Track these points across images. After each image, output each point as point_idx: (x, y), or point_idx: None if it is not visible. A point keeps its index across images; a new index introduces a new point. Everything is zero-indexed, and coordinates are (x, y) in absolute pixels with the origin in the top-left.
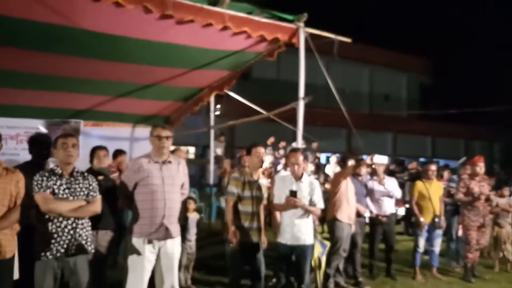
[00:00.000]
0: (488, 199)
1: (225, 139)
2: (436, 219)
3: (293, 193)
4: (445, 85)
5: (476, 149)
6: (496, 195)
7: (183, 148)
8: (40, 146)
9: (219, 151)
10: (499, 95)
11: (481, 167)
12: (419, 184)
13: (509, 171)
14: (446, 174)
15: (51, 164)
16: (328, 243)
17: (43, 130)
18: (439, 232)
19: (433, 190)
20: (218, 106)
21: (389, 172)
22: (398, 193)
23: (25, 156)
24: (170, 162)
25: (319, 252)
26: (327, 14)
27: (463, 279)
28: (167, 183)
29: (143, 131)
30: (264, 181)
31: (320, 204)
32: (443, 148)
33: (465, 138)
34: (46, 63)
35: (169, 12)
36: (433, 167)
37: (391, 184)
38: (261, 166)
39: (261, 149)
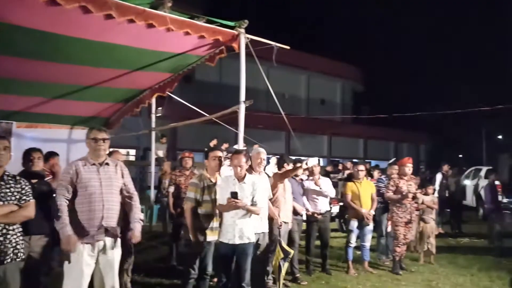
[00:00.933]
0: (414, 197)
1: (167, 141)
2: (366, 217)
3: (234, 194)
4: (375, 91)
5: (404, 151)
6: (421, 193)
7: (122, 150)
8: None
9: (161, 153)
10: (425, 102)
11: (409, 168)
12: (350, 184)
13: (434, 171)
14: (376, 174)
15: None
16: (292, 251)
17: None
18: (369, 228)
19: (363, 189)
20: (160, 108)
21: (325, 173)
22: (332, 192)
23: None
24: (107, 164)
25: (280, 258)
26: (268, 21)
27: (392, 271)
28: (105, 185)
29: (81, 133)
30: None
31: (261, 203)
32: (375, 150)
33: (395, 140)
34: None
35: (110, 12)
36: (362, 168)
37: (326, 184)
38: (219, 170)
39: (218, 153)
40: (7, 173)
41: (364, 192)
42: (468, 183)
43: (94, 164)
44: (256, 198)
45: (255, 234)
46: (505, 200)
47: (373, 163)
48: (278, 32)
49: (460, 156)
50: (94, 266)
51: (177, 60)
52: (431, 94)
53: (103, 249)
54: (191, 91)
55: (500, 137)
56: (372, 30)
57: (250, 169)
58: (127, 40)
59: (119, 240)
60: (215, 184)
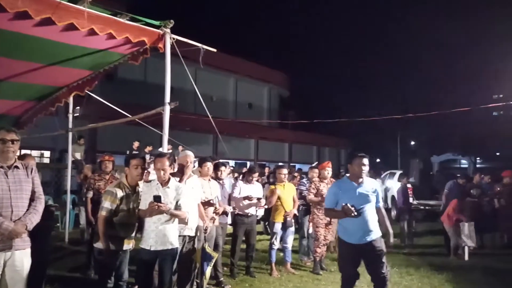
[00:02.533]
0: None
1: (85, 143)
2: (288, 218)
3: (157, 198)
4: (300, 97)
5: (326, 155)
6: None
7: (36, 152)
8: None
9: (78, 156)
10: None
11: (328, 171)
12: (273, 187)
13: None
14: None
15: None
16: (215, 254)
17: None
18: (291, 230)
19: (286, 192)
20: (78, 107)
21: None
22: (263, 197)
23: None
24: (17, 167)
25: (203, 261)
26: (197, 23)
27: (313, 271)
28: (14, 189)
29: None
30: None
31: (186, 208)
32: (299, 154)
33: (317, 145)
34: None
35: (22, 8)
36: (284, 171)
37: (256, 188)
38: (140, 178)
39: (141, 162)
40: None
41: (287, 194)
42: (383, 186)
43: (1, 167)
44: (180, 202)
45: (180, 237)
46: (415, 202)
47: (297, 166)
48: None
49: (378, 160)
50: (0, 278)
51: (97, 57)
52: (353, 100)
53: (11, 259)
54: (113, 90)
55: (412, 143)
56: (298, 37)
57: (180, 173)
58: (41, 32)
59: (28, 249)
60: (134, 193)
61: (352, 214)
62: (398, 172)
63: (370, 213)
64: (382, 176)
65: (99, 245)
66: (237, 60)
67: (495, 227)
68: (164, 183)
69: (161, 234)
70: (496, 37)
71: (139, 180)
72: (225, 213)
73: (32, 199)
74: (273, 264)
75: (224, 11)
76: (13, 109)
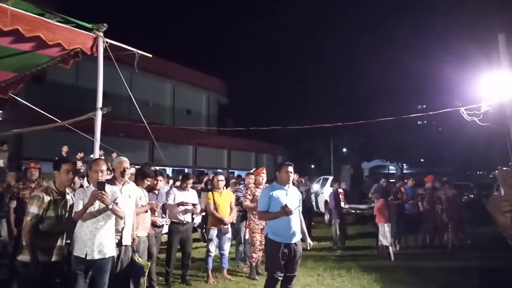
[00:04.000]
0: None
1: (8, 148)
2: (224, 226)
3: (101, 185)
4: (238, 104)
5: (264, 161)
6: None
7: None
8: None
9: (1, 163)
10: (283, 115)
11: (263, 177)
12: (210, 194)
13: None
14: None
15: None
16: (146, 263)
17: None
18: (227, 236)
19: (223, 199)
20: (1, 111)
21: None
22: (198, 204)
23: None
24: None
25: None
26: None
27: (249, 277)
28: None
29: None
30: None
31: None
32: (237, 160)
33: (255, 151)
34: None
35: None
36: (222, 178)
37: (192, 196)
38: (70, 184)
39: (72, 166)
40: None
41: (223, 201)
42: (317, 190)
43: None
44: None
45: (116, 247)
46: (346, 206)
47: (236, 173)
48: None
49: (312, 166)
50: None
51: (23, 59)
52: (289, 108)
53: None
54: (42, 93)
55: (344, 150)
56: (237, 44)
57: (114, 180)
58: None
59: None
60: (63, 199)
61: (292, 213)
62: (331, 178)
63: (296, 215)
64: (315, 181)
65: (23, 257)
66: (175, 65)
67: (418, 229)
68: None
69: (98, 242)
70: (422, 50)
71: (68, 185)
72: (155, 226)
73: None
74: (210, 271)
75: (162, 13)
76: None
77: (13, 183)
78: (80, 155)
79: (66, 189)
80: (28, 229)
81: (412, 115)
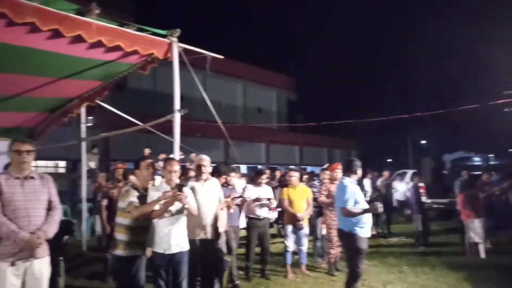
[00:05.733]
0: None
1: (98, 152)
2: (299, 221)
3: (180, 187)
4: (308, 100)
5: (337, 157)
6: None
7: (51, 162)
8: None
9: (93, 165)
10: (355, 109)
11: (338, 172)
12: (285, 190)
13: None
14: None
15: None
16: (229, 258)
17: None
18: (304, 232)
19: (297, 195)
20: (90, 117)
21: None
22: (274, 199)
23: None
24: (32, 177)
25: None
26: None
27: (328, 273)
28: (30, 199)
29: (3, 144)
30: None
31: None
32: (310, 156)
33: (328, 147)
34: None
35: (29, 19)
36: (295, 174)
37: (268, 192)
38: (152, 179)
39: (150, 162)
40: None
41: (298, 197)
42: (397, 185)
43: (17, 178)
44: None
45: (199, 240)
46: (428, 201)
47: (309, 168)
48: (214, 41)
49: (389, 160)
50: (21, 287)
51: (107, 68)
52: (362, 101)
53: (30, 268)
54: (124, 99)
55: (423, 142)
56: (305, 41)
57: (195, 177)
58: (52, 46)
59: (47, 257)
60: (147, 195)
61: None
62: (410, 172)
63: None
64: (393, 176)
65: (115, 251)
66: (244, 65)
67: (509, 224)
68: (173, 186)
69: (174, 237)
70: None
71: (150, 180)
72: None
73: (49, 208)
74: (288, 266)
75: (230, 16)
76: (26, 121)
77: (103, 183)
78: (162, 156)
79: (149, 184)
80: (137, 213)
81: (499, 101)
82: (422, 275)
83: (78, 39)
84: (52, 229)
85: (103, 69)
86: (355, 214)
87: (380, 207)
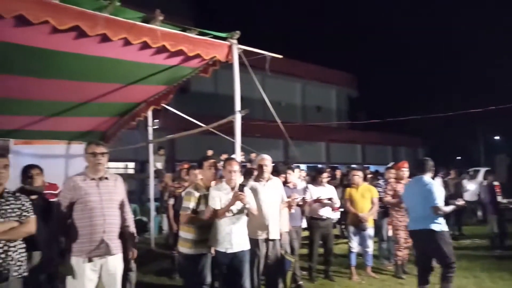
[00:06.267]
0: None
1: (165, 153)
2: (362, 222)
3: (241, 187)
4: (370, 97)
5: (402, 155)
6: None
7: (121, 163)
8: None
9: (159, 165)
10: (419, 105)
11: (405, 171)
12: (348, 190)
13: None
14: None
15: None
16: (293, 259)
17: None
18: (368, 233)
19: (360, 194)
20: (157, 120)
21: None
22: (336, 199)
23: None
24: (106, 178)
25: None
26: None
27: (395, 275)
28: (105, 199)
29: (79, 148)
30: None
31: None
32: (373, 155)
33: (392, 145)
34: None
35: (101, 31)
36: (358, 173)
37: (331, 192)
38: (214, 178)
39: (213, 162)
40: (6, 190)
41: (361, 197)
42: (467, 184)
43: (93, 179)
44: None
45: (262, 240)
46: (504, 201)
47: (372, 168)
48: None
49: (458, 158)
50: (97, 281)
51: (171, 73)
52: (425, 98)
53: (105, 264)
54: (187, 102)
55: (497, 137)
56: (364, 36)
57: (257, 177)
58: (120, 54)
59: (120, 254)
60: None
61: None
62: (483, 170)
63: None
64: (463, 174)
65: (182, 249)
66: (302, 64)
67: None
68: (233, 186)
69: (235, 236)
70: None
71: (213, 180)
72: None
73: (121, 208)
74: (353, 268)
75: (286, 15)
76: (99, 125)
77: (170, 183)
78: (223, 156)
79: (212, 184)
80: (188, 218)
81: None
82: (500, 281)
83: (144, 45)
84: (133, 230)
85: (167, 74)
86: (445, 212)
87: (463, 202)
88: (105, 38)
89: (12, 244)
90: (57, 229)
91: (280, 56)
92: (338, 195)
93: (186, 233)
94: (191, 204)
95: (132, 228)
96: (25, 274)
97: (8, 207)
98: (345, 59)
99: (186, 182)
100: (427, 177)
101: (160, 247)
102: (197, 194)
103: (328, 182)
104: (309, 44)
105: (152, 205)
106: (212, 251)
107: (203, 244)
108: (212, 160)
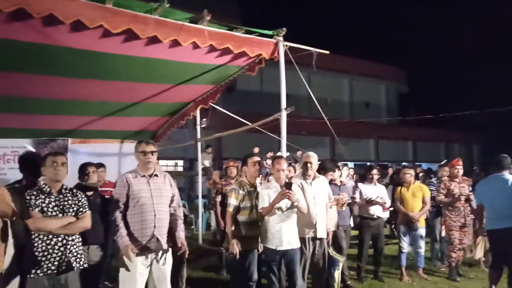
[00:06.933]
0: (468, 199)
1: (212, 151)
2: (413, 222)
3: (288, 185)
4: (421, 92)
5: (456, 152)
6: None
7: (171, 161)
8: (31, 165)
9: (207, 163)
10: (474, 100)
11: (459, 169)
12: (398, 189)
13: (488, 172)
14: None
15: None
16: (341, 258)
17: (30, 148)
18: (420, 233)
19: (411, 194)
20: (204, 119)
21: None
22: (387, 198)
23: (13, 175)
24: (156, 175)
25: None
26: (306, 27)
27: (448, 278)
28: (155, 195)
29: (131, 146)
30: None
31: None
32: (425, 152)
33: (445, 141)
34: (33, 86)
35: (151, 34)
36: (408, 171)
37: (381, 191)
38: (258, 175)
39: (257, 159)
40: (64, 187)
41: (412, 196)
42: None
43: (144, 176)
44: (298, 203)
45: (309, 238)
46: None
47: (424, 165)
48: (317, 37)
49: None
50: (148, 275)
51: (218, 72)
52: (480, 92)
53: (156, 259)
54: (234, 100)
55: None
56: (412, 29)
57: (303, 174)
58: (169, 55)
59: (170, 249)
60: (254, 190)
61: None
62: None
63: None
64: None
65: (226, 245)
66: (349, 59)
67: None
68: (282, 184)
69: (285, 234)
70: None
71: (257, 176)
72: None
73: (171, 204)
74: (403, 269)
75: (331, 9)
76: (150, 124)
77: (217, 180)
78: (270, 154)
79: (256, 180)
80: (230, 219)
81: None
82: None
83: (193, 46)
84: (182, 228)
85: (215, 73)
86: None
87: None
88: (155, 40)
89: (70, 238)
90: (112, 224)
91: (327, 52)
92: (388, 194)
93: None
94: (235, 201)
95: (182, 224)
96: (84, 266)
97: (66, 203)
98: (395, 52)
99: (232, 179)
100: (508, 174)
101: (208, 243)
102: (241, 191)
103: (377, 181)
104: (357, 38)
105: (200, 202)
106: (260, 248)
107: (250, 240)
108: (256, 157)
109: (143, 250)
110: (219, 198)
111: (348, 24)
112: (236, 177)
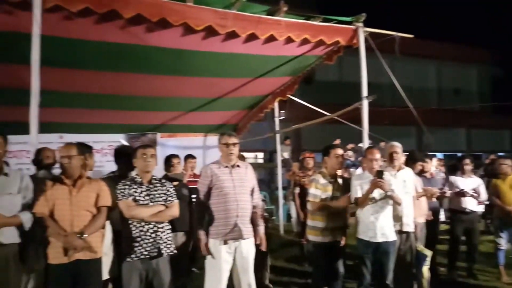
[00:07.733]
0: None
1: (291, 143)
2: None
3: (380, 174)
4: None
5: None
6: None
7: (251, 153)
8: (124, 157)
9: (286, 155)
10: None
11: None
12: (493, 181)
13: None
14: None
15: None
16: (428, 253)
17: (124, 142)
18: None
19: (508, 186)
20: (282, 111)
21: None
22: (483, 192)
23: (110, 167)
24: (238, 166)
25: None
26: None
27: None
28: (237, 185)
29: (214, 139)
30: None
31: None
32: None
33: None
34: (125, 84)
35: (230, 29)
36: (505, 162)
37: (472, 181)
38: (340, 167)
39: (340, 151)
40: (154, 177)
41: (510, 188)
42: None
43: (226, 166)
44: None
45: (397, 233)
46: None
47: None
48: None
49: None
50: (232, 263)
51: (296, 63)
52: None
53: (239, 247)
54: (312, 91)
55: None
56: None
57: (388, 165)
58: (246, 48)
59: (252, 238)
60: (335, 181)
61: None
62: None
63: None
64: None
65: (310, 237)
66: (436, 43)
67: None
68: (374, 174)
69: (379, 226)
70: None
71: (338, 168)
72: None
73: (252, 194)
74: (501, 267)
75: None
76: (231, 118)
77: (297, 172)
78: (350, 146)
79: (337, 172)
80: (313, 209)
81: None
82: None
83: (271, 38)
84: (261, 220)
85: (292, 65)
86: None
87: None
88: (234, 35)
89: (160, 226)
90: (198, 213)
91: (411, 36)
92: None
93: (314, 222)
94: (317, 191)
95: (261, 219)
96: (173, 252)
97: (156, 192)
98: (487, 33)
99: (309, 170)
100: None
101: (289, 234)
102: (322, 181)
103: (471, 172)
104: (443, 21)
105: (280, 193)
106: (343, 242)
107: (332, 232)
108: (339, 150)
109: (227, 238)
110: (297, 190)
111: (435, 5)
112: (314, 168)
